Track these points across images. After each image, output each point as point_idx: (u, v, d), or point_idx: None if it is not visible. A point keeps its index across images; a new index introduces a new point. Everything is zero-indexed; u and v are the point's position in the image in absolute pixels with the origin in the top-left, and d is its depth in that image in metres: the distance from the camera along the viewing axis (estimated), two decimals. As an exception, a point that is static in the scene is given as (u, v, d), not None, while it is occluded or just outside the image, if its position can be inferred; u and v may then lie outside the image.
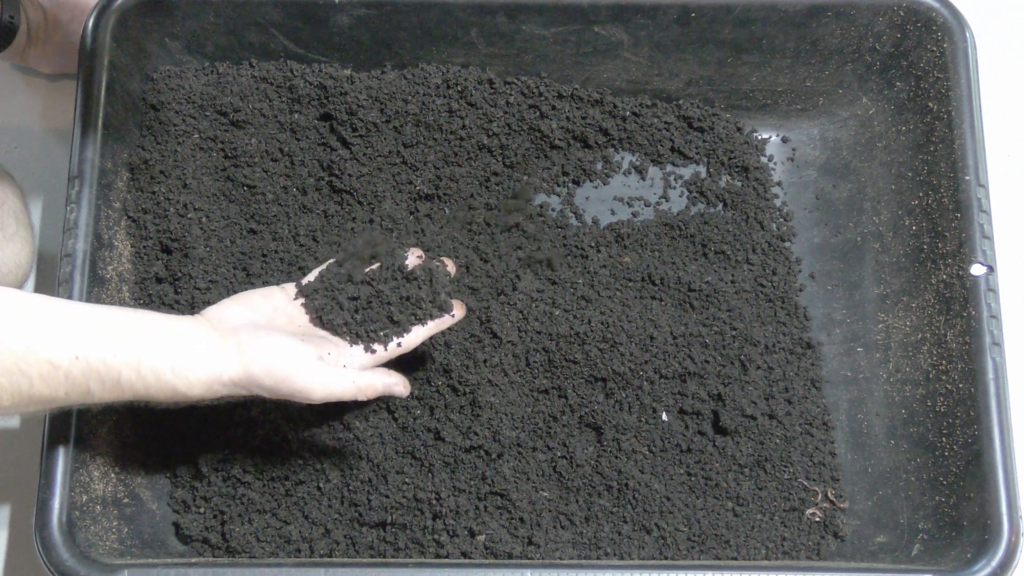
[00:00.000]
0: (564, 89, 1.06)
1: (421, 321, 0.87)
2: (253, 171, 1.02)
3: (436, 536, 0.92)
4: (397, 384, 0.85)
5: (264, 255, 1.00)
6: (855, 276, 1.03)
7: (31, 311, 0.74)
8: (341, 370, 0.82)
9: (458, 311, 0.89)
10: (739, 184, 1.06)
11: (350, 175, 1.02)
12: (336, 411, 0.94)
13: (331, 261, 0.89)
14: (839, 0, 1.00)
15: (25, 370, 0.72)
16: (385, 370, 0.86)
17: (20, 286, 1.01)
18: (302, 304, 0.86)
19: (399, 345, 0.86)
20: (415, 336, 0.87)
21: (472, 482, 0.94)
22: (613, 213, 1.06)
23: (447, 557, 0.91)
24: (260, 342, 0.79)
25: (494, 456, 0.94)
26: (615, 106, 1.06)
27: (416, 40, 1.03)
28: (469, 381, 0.94)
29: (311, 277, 0.88)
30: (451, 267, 0.91)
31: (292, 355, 0.80)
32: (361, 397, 0.83)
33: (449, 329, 0.92)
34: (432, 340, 0.94)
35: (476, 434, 0.94)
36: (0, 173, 1.01)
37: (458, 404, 0.95)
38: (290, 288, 0.87)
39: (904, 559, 0.90)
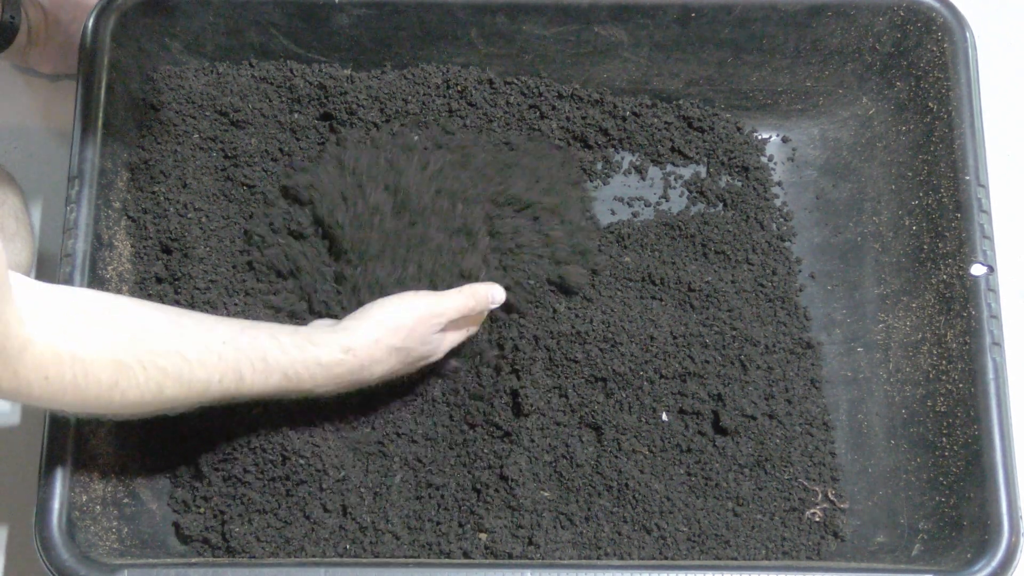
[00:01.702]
0: (564, 89, 1.06)
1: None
2: (253, 171, 1.02)
3: (437, 536, 0.92)
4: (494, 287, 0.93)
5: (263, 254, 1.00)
6: (855, 276, 1.03)
7: (168, 310, 0.79)
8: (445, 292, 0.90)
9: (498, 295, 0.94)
10: (739, 184, 1.06)
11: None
12: (337, 410, 0.94)
13: None
14: (839, 0, 1.00)
15: (184, 351, 0.76)
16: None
17: (20, 286, 1.01)
18: None
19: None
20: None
21: (475, 475, 0.94)
22: (613, 213, 1.06)
23: (448, 557, 0.91)
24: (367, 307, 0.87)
25: (500, 456, 0.94)
26: (615, 106, 1.06)
27: (416, 40, 1.03)
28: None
29: None
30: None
31: (399, 298, 0.88)
32: (473, 303, 0.90)
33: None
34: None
35: (476, 433, 0.94)
36: (0, 173, 1.01)
37: (459, 405, 0.95)
38: None
39: (904, 559, 0.90)
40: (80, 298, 0.75)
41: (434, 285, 0.93)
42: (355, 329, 0.84)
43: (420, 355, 0.88)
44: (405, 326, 0.86)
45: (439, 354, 0.91)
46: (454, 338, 0.92)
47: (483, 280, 0.95)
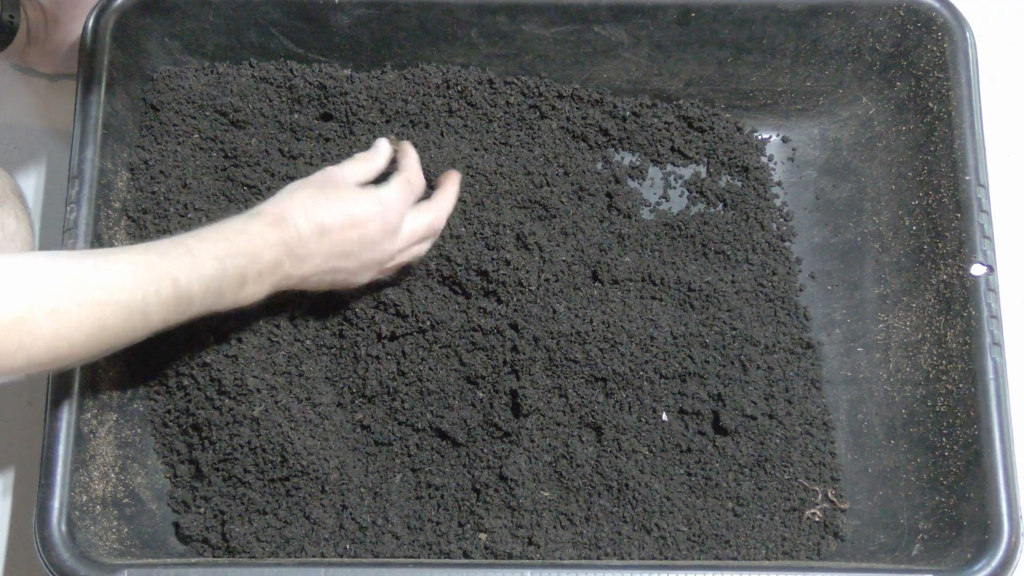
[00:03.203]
0: (564, 89, 1.06)
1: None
2: (253, 171, 1.02)
3: (437, 536, 0.92)
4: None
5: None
6: (855, 276, 1.03)
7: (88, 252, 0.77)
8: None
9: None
10: (739, 184, 1.06)
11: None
12: (339, 407, 0.94)
13: None
14: (839, 0, 1.00)
15: (114, 279, 0.73)
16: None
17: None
18: None
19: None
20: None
21: (474, 475, 0.94)
22: (614, 213, 1.06)
23: (448, 557, 0.91)
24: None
25: (500, 457, 0.94)
26: (615, 106, 1.06)
27: (416, 40, 1.03)
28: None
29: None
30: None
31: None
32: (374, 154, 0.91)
33: (452, 324, 0.92)
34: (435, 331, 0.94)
35: (477, 433, 0.94)
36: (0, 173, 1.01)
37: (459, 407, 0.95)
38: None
39: (904, 559, 0.90)
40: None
41: None
42: (265, 207, 0.84)
43: (352, 209, 0.86)
44: (310, 178, 0.87)
45: (389, 212, 0.88)
46: (394, 189, 0.89)
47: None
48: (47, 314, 0.71)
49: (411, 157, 0.94)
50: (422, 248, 0.94)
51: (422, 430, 0.96)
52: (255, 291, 0.82)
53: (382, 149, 0.93)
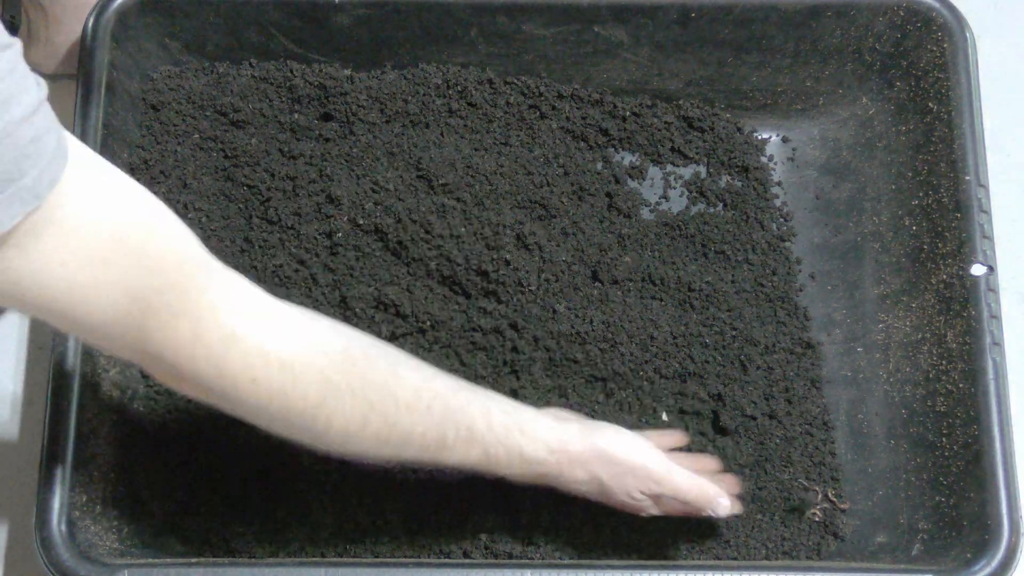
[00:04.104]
0: (564, 89, 1.06)
1: None
2: (253, 171, 1.02)
3: (437, 536, 0.92)
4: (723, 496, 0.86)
5: (264, 254, 1.00)
6: (855, 276, 1.03)
7: (379, 343, 0.75)
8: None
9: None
10: (739, 184, 1.06)
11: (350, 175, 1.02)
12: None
13: None
14: (839, 0, 1.00)
15: (393, 390, 0.72)
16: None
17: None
18: None
19: None
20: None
21: (475, 476, 0.94)
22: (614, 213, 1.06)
23: (448, 557, 0.91)
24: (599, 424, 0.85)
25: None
26: (615, 106, 1.06)
27: (416, 40, 1.03)
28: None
29: None
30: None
31: (633, 437, 0.85)
32: (695, 497, 0.85)
33: (451, 326, 0.92)
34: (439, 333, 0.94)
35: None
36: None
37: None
38: None
39: (904, 559, 0.90)
40: (277, 301, 0.70)
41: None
42: (572, 439, 0.81)
43: (620, 502, 0.85)
44: (622, 466, 0.83)
45: (639, 513, 0.87)
46: (684, 473, 0.86)
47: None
48: (319, 381, 0.69)
49: (712, 494, 0.87)
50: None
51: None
52: (502, 474, 0.81)
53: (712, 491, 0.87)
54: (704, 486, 0.85)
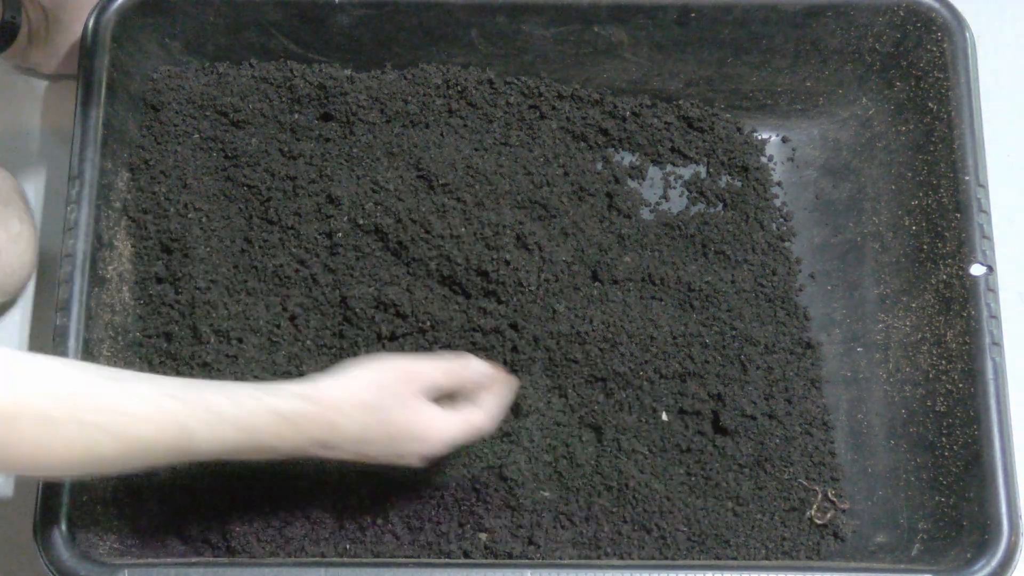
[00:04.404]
0: (564, 89, 1.06)
1: None
2: (253, 171, 1.02)
3: (437, 536, 0.92)
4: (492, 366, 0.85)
5: (264, 254, 1.00)
6: (855, 276, 1.03)
7: (103, 368, 0.73)
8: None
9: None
10: (739, 184, 1.06)
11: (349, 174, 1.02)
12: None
13: None
14: (839, 0, 1.00)
15: (122, 405, 0.69)
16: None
17: (24, 286, 1.02)
18: None
19: None
20: None
21: (474, 475, 0.94)
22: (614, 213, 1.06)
23: (448, 557, 0.91)
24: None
25: (499, 456, 0.94)
26: (615, 106, 1.06)
27: (416, 40, 1.03)
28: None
29: None
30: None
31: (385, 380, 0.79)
32: (460, 369, 0.83)
33: (452, 326, 0.92)
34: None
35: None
36: (2, 174, 1.01)
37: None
38: None
39: (904, 559, 0.90)
40: (10, 353, 0.68)
41: None
42: (320, 379, 0.77)
43: (403, 426, 0.79)
44: (378, 379, 0.78)
45: (433, 440, 0.81)
46: (452, 427, 0.82)
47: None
48: (38, 422, 0.67)
49: (499, 399, 0.86)
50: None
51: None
52: (271, 459, 0.78)
53: (482, 370, 0.85)
54: (467, 359, 0.84)
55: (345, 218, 0.98)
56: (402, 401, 0.79)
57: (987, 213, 0.94)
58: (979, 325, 0.91)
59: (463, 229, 0.97)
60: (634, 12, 1.01)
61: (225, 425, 0.72)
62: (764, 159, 1.08)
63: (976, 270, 0.93)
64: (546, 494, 0.93)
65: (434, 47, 1.04)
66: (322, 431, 0.76)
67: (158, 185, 0.99)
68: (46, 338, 0.94)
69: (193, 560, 0.89)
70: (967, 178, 0.95)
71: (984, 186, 0.95)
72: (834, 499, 0.95)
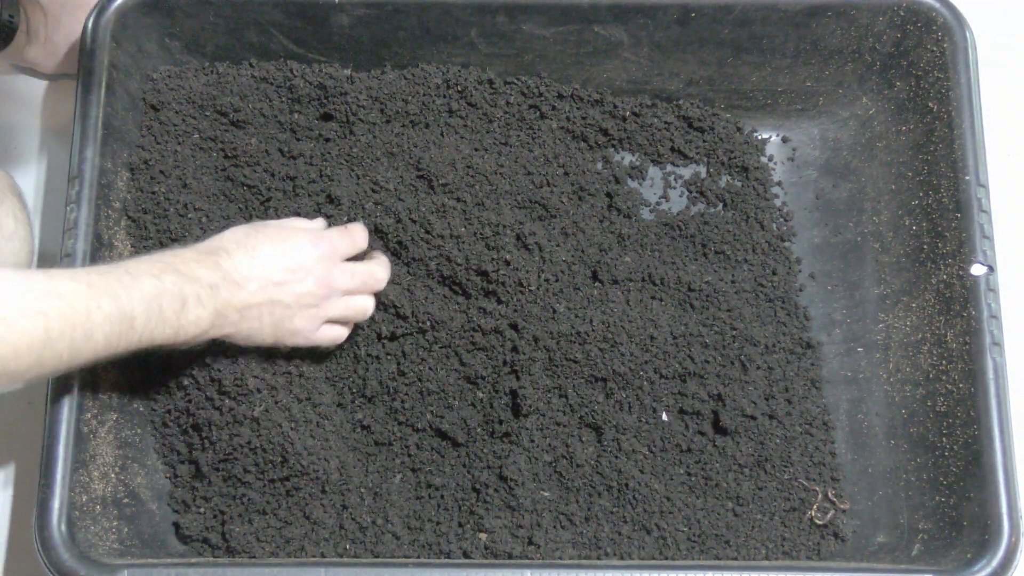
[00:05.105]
0: (564, 89, 1.06)
1: None
2: (253, 171, 1.02)
3: (437, 536, 0.92)
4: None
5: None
6: (855, 276, 1.03)
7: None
8: None
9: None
10: (739, 184, 1.06)
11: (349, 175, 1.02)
12: (339, 407, 0.94)
13: None
14: (839, 0, 1.00)
15: (57, 288, 0.74)
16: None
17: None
18: None
19: None
20: None
21: (474, 475, 0.94)
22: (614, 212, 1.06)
23: (448, 557, 0.91)
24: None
25: (498, 457, 0.94)
26: (615, 106, 1.06)
27: (416, 40, 1.03)
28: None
29: None
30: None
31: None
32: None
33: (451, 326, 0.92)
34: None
35: (477, 433, 0.94)
36: (-1, 172, 1.01)
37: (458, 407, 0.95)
38: None
39: (904, 559, 0.90)
40: None
41: None
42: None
43: (281, 227, 0.90)
44: (260, 225, 0.89)
45: (335, 296, 0.91)
46: (356, 264, 0.92)
47: None
48: None
49: (360, 229, 0.96)
50: (364, 302, 0.93)
51: (422, 430, 0.96)
52: (197, 315, 0.82)
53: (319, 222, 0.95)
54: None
55: (345, 218, 0.98)
56: (267, 225, 0.90)
57: (987, 213, 0.94)
58: (979, 325, 0.91)
59: (463, 229, 0.97)
60: (634, 12, 1.01)
61: (143, 278, 0.79)
62: (764, 159, 1.08)
63: (976, 270, 0.93)
64: (546, 494, 0.93)
65: (434, 47, 1.04)
66: (227, 278, 0.85)
67: (158, 185, 0.99)
68: (46, 338, 0.93)
69: (193, 560, 0.89)
70: (967, 178, 0.95)
71: (984, 186, 0.95)
72: (834, 499, 0.95)
